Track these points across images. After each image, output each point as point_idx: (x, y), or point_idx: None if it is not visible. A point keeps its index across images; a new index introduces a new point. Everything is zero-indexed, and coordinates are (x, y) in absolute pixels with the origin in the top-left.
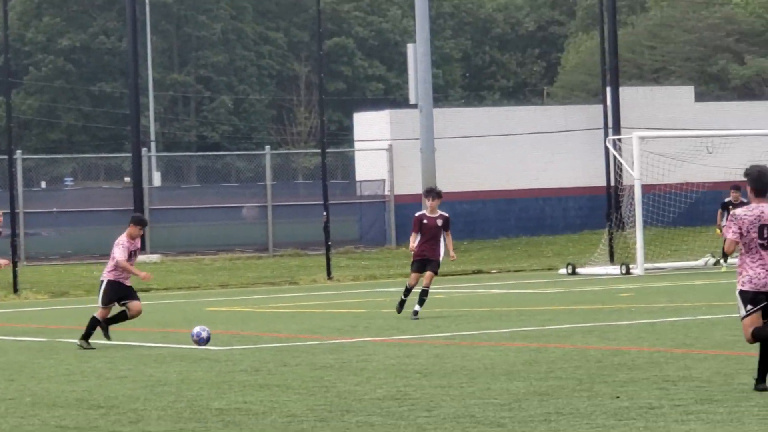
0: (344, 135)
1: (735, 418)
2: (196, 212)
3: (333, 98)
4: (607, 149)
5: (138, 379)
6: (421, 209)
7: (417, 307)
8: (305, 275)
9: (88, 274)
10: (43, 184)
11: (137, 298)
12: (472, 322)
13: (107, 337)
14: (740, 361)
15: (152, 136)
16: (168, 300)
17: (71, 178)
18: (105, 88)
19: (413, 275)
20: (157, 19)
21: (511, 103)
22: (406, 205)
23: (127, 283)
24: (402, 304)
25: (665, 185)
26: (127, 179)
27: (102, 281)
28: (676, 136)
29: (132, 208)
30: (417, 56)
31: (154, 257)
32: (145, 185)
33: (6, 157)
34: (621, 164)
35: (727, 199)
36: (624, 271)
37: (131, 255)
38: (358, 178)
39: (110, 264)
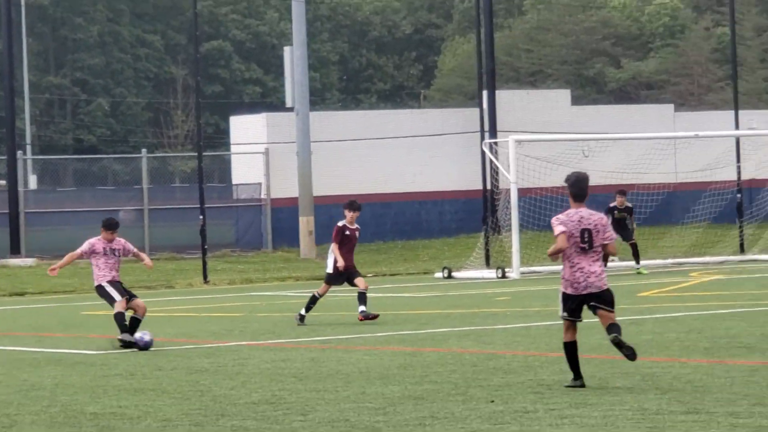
0: (221, 138)
1: (609, 422)
2: (72, 215)
3: (210, 101)
4: (483, 153)
5: (12, 383)
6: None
7: (363, 308)
8: (181, 279)
9: None
10: None
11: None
12: (348, 326)
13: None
14: (615, 365)
15: (28, 139)
16: (43, 304)
17: None
18: None
19: (327, 286)
20: (33, 21)
21: (387, 107)
22: (283, 208)
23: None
24: (305, 314)
25: (541, 189)
26: (2, 182)
27: (99, 286)
28: (552, 140)
29: (6, 211)
30: (294, 59)
31: (30, 261)
32: (21, 188)
33: None
34: (497, 168)
35: (612, 204)
36: (500, 275)
37: (103, 253)
38: (234, 181)
39: (94, 271)
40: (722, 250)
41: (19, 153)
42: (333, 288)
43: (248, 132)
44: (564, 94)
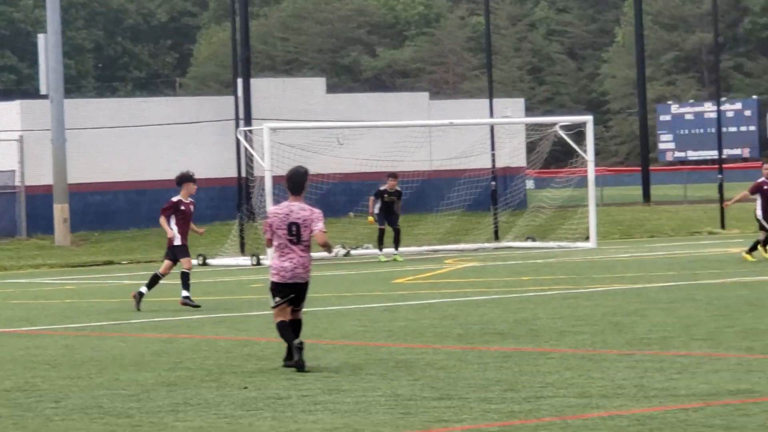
0: None
1: (362, 408)
2: None
3: None
4: (238, 141)
5: None
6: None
7: (186, 293)
8: None
9: None
10: None
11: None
12: (102, 312)
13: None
14: (368, 352)
15: None
16: None
17: None
18: None
19: (169, 263)
20: None
21: (143, 94)
22: (37, 196)
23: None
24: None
25: None
26: None
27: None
28: (307, 128)
29: None
30: (48, 47)
31: None
32: None
33: None
34: (252, 155)
35: (383, 187)
36: (254, 262)
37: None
38: None
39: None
40: (477, 237)
41: None
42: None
43: (2, 119)
44: (319, 83)
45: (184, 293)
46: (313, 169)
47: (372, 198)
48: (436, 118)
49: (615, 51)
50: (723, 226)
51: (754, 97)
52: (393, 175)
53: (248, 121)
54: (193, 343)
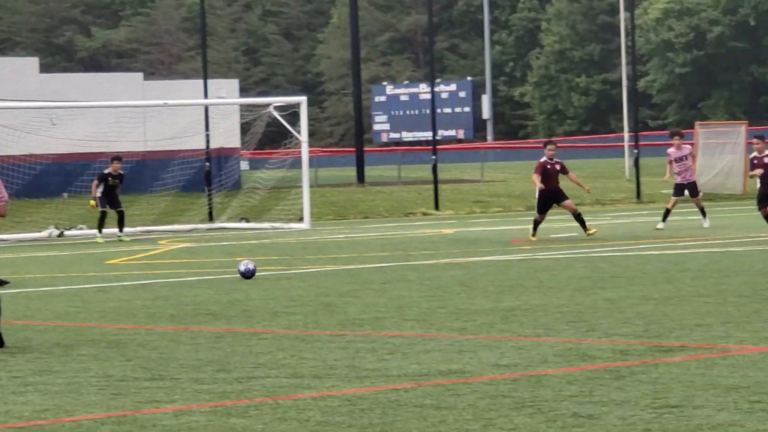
0: None
1: (73, 389)
2: None
3: None
4: None
5: None
6: None
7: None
8: None
9: None
10: None
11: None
12: None
13: None
14: (80, 332)
15: None
16: None
17: None
18: None
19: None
20: None
21: None
22: None
23: None
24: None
25: (9, 157)
26: None
27: None
28: (20, 108)
29: None
30: None
31: None
32: None
33: None
34: None
35: (107, 171)
36: None
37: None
38: None
39: None
40: (191, 218)
41: None
42: None
43: None
44: (32, 62)
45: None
46: (26, 150)
47: (95, 181)
48: (151, 99)
49: (330, 32)
50: (437, 207)
51: (469, 78)
52: (117, 158)
53: None
54: None
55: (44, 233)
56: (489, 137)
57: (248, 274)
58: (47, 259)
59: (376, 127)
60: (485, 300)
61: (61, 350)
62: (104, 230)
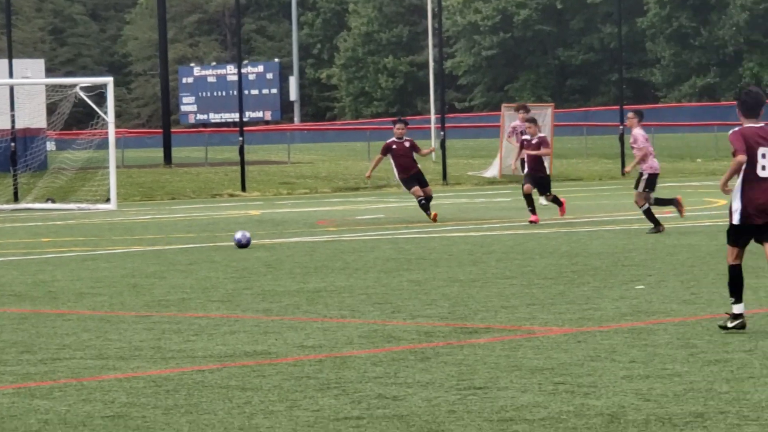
0: None
1: None
2: None
3: None
4: None
5: None
6: None
7: None
8: None
9: None
10: None
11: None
12: None
13: None
14: None
15: None
16: None
17: None
18: None
19: None
20: None
21: None
22: None
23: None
24: None
25: None
26: None
27: None
28: None
29: None
30: None
31: None
32: None
33: None
34: None
35: None
36: None
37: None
38: None
39: None
40: None
41: None
42: None
43: None
44: None
45: None
46: None
47: None
48: None
49: (138, 13)
50: (244, 189)
51: (276, 60)
52: None
53: None
54: None
55: None
56: (296, 119)
57: (244, 242)
58: None
59: (184, 108)
60: (291, 281)
61: None
62: None
